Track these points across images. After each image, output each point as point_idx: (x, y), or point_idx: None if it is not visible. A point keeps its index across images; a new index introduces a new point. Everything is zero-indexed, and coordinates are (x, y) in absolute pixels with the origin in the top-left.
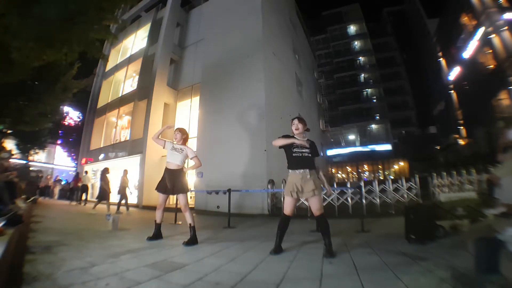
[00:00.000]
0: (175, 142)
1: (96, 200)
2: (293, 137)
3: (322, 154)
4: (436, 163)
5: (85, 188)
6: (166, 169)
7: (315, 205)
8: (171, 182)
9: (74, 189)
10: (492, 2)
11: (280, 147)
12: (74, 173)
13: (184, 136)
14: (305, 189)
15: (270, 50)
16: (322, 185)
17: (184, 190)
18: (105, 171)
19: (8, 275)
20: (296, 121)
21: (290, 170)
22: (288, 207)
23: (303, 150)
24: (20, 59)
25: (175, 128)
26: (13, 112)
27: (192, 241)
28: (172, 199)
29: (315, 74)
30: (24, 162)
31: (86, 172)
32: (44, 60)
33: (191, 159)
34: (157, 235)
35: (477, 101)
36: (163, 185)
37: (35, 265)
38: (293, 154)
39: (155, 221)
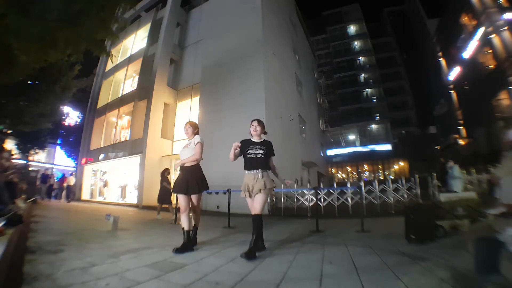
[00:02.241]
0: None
1: (158, 204)
2: (245, 140)
3: (322, 154)
4: (436, 163)
5: (69, 189)
6: (180, 168)
7: (256, 203)
8: (186, 180)
9: (60, 189)
10: (492, 2)
11: (236, 157)
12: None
13: (195, 130)
14: (255, 188)
15: (270, 50)
16: (280, 180)
17: (198, 189)
18: (166, 171)
19: (8, 275)
20: (255, 123)
21: (245, 171)
22: (250, 206)
23: (258, 152)
24: (22, 59)
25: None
26: (13, 112)
27: (190, 243)
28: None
29: (315, 74)
30: (24, 162)
31: (72, 174)
32: (47, 61)
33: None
34: (186, 244)
35: (477, 101)
36: (178, 184)
37: (35, 265)
38: (248, 156)
39: (183, 228)
